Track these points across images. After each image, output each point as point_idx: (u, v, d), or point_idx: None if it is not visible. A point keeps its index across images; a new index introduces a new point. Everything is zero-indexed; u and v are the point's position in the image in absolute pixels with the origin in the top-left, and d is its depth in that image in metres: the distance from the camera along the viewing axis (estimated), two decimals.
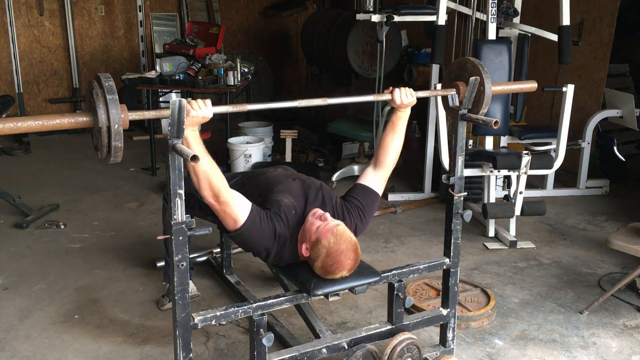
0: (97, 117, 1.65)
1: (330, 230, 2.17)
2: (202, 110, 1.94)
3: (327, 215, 2.25)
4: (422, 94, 2.43)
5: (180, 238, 1.90)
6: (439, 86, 4.09)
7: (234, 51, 7.83)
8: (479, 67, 2.31)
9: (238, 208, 2.17)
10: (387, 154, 2.48)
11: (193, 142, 1.97)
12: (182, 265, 1.93)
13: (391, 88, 2.39)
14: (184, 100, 1.80)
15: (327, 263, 2.17)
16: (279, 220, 2.26)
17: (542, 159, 4.01)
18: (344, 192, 2.56)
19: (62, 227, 4.17)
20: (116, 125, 1.66)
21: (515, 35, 4.49)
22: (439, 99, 4.09)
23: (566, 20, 4.05)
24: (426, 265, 2.50)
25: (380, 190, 2.48)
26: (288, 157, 5.29)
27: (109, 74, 1.71)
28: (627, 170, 5.24)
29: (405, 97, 2.36)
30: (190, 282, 3.00)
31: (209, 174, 2.03)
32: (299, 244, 2.28)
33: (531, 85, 2.55)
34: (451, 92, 2.37)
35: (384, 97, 2.39)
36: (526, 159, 3.82)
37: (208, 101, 1.97)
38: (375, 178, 2.49)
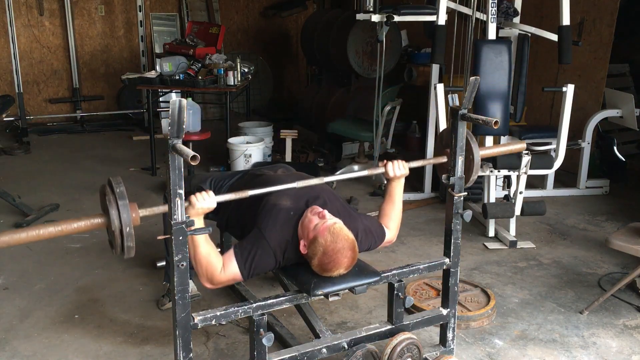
0: (110, 219, 1.81)
1: (327, 228, 2.18)
2: (206, 201, 2.05)
3: (326, 212, 2.25)
4: (415, 164, 2.54)
5: (180, 238, 1.90)
6: (439, 86, 4.11)
7: (234, 51, 7.83)
8: (467, 137, 2.38)
9: (230, 275, 2.24)
10: (391, 219, 2.57)
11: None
12: (182, 265, 1.93)
13: (385, 161, 2.49)
14: (184, 100, 1.80)
15: (324, 261, 2.17)
16: (271, 231, 2.27)
17: (542, 159, 4.01)
18: (344, 192, 2.57)
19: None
20: (127, 228, 1.81)
21: (515, 35, 4.48)
22: (439, 99, 4.10)
23: (566, 20, 4.05)
24: (426, 265, 2.50)
25: (385, 237, 2.55)
26: (288, 157, 5.29)
27: (120, 179, 1.85)
28: (627, 170, 5.24)
29: (398, 169, 2.47)
30: (191, 282, 3.00)
31: (204, 261, 2.16)
32: (298, 240, 2.28)
33: (520, 146, 2.66)
34: (442, 160, 2.46)
35: (378, 170, 2.49)
36: (526, 159, 3.82)
37: (210, 192, 2.08)
38: (385, 228, 2.57)
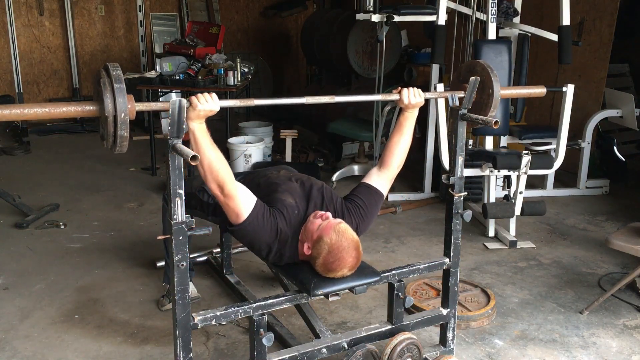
0: (103, 105, 1.65)
1: (332, 227, 2.18)
2: (208, 103, 1.95)
3: (328, 214, 2.26)
4: (430, 95, 2.43)
5: (180, 238, 1.90)
6: (439, 86, 4.11)
7: (234, 51, 7.83)
8: (488, 70, 2.31)
9: (242, 202, 2.18)
10: (393, 154, 2.45)
11: (199, 135, 1.97)
12: (182, 265, 1.93)
13: (400, 88, 2.37)
14: (184, 100, 1.80)
15: (329, 260, 2.17)
16: (282, 217, 2.26)
17: (542, 159, 4.01)
18: (344, 192, 2.56)
19: (62, 227, 4.17)
20: (122, 114, 1.66)
21: (515, 35, 4.49)
22: (440, 100, 4.10)
23: (566, 20, 4.05)
24: (426, 265, 2.50)
25: (384, 191, 2.47)
26: (288, 157, 5.30)
27: (117, 64, 1.70)
28: (627, 170, 5.24)
29: (414, 97, 2.35)
30: (191, 283, 3.00)
31: (215, 166, 2.04)
32: (300, 243, 2.28)
33: (540, 90, 2.52)
34: (459, 94, 2.35)
35: (392, 97, 2.38)
36: (526, 159, 3.82)
37: (214, 94, 1.97)
38: (380, 178, 2.46)
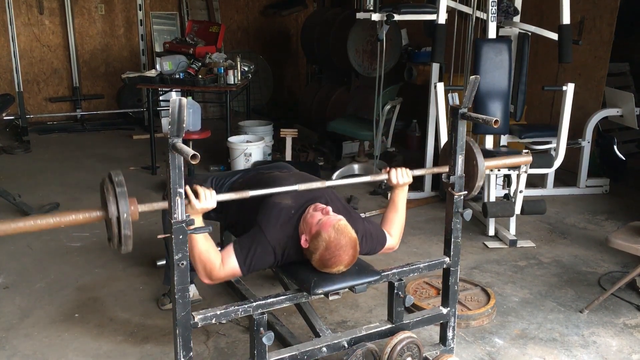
0: (108, 209, 1.77)
1: (332, 224, 2.17)
2: (207, 201, 2.02)
3: (329, 209, 2.26)
4: (419, 172, 2.53)
5: (180, 237, 1.90)
6: (439, 85, 4.11)
7: (234, 50, 7.82)
8: (470, 144, 2.38)
9: (229, 270, 2.24)
10: (392, 227, 2.55)
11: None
12: (183, 264, 1.93)
13: (388, 168, 2.46)
14: (184, 99, 1.80)
15: (325, 257, 2.17)
16: (271, 229, 2.27)
17: (542, 158, 4.01)
18: (343, 191, 2.56)
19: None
20: (125, 215, 1.77)
21: (515, 34, 4.49)
22: (440, 98, 4.10)
23: (566, 19, 4.05)
24: (426, 264, 2.50)
25: (387, 243, 2.53)
26: (288, 156, 5.30)
27: (120, 171, 1.83)
28: (627, 169, 5.24)
29: (402, 177, 2.44)
30: (193, 285, 3.01)
31: (204, 256, 2.15)
32: (299, 236, 2.28)
33: (526, 159, 2.64)
34: (445, 170, 2.43)
35: (381, 177, 2.46)
36: None
37: (212, 192, 2.05)
38: (387, 234, 2.54)
